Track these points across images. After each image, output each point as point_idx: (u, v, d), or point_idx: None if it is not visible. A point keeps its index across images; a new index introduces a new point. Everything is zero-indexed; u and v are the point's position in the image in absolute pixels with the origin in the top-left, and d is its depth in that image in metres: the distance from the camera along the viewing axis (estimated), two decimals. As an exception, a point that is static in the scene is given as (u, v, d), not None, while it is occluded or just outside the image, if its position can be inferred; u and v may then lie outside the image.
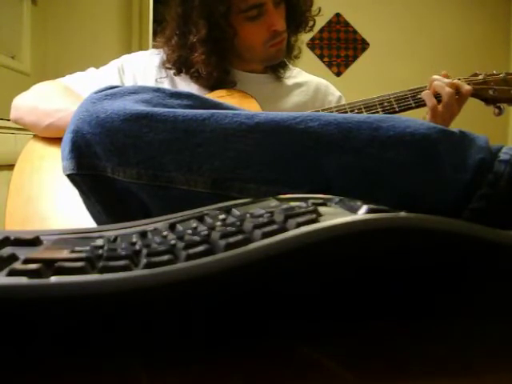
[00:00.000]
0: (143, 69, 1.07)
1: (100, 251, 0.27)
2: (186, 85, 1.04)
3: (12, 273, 0.22)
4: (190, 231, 0.30)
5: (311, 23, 1.09)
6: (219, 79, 1.02)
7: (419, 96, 1.01)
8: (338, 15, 3.23)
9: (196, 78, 1.02)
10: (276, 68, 1.09)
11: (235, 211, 0.35)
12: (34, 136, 1.01)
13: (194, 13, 0.97)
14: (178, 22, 1.01)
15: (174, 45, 1.02)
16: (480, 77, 1.04)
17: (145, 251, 0.26)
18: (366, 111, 1.00)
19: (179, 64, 1.03)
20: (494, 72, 1.04)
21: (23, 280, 0.22)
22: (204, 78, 1.01)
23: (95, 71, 1.08)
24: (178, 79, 1.06)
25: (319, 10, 1.09)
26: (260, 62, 1.07)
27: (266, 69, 1.09)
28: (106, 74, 1.06)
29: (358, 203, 0.30)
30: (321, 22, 3.18)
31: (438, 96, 0.99)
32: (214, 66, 0.99)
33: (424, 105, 1.01)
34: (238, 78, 1.05)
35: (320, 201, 0.34)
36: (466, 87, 0.99)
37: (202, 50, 0.98)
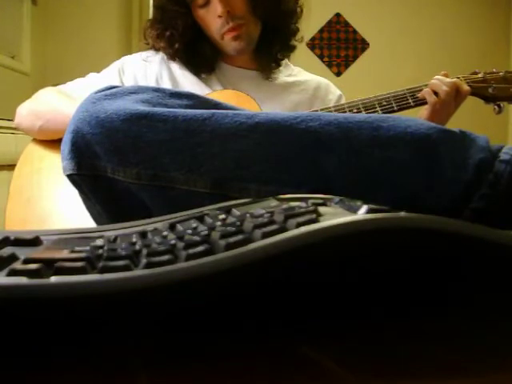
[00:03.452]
0: (144, 67, 1.07)
1: (100, 251, 0.27)
2: (181, 74, 1.06)
3: (12, 273, 0.22)
4: (190, 231, 0.30)
5: (292, 19, 1.08)
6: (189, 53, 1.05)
7: (418, 95, 1.01)
8: (338, 15, 3.23)
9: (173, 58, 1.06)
10: (264, 66, 1.08)
11: (235, 211, 0.35)
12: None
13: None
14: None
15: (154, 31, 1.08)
16: (479, 75, 1.04)
17: (145, 251, 0.26)
18: (364, 110, 1.00)
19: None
20: (494, 70, 1.04)
21: (23, 280, 0.22)
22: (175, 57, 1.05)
23: (95, 75, 1.08)
24: (178, 77, 1.06)
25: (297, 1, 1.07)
26: (229, 53, 1.06)
27: (257, 66, 1.09)
28: (106, 76, 1.06)
29: (358, 203, 0.30)
30: (321, 21, 3.18)
31: (435, 94, 0.99)
32: (169, 42, 1.04)
33: (422, 104, 1.02)
34: (229, 74, 1.06)
35: (320, 201, 0.34)
36: (465, 87, 0.99)
37: (156, 29, 1.05)
